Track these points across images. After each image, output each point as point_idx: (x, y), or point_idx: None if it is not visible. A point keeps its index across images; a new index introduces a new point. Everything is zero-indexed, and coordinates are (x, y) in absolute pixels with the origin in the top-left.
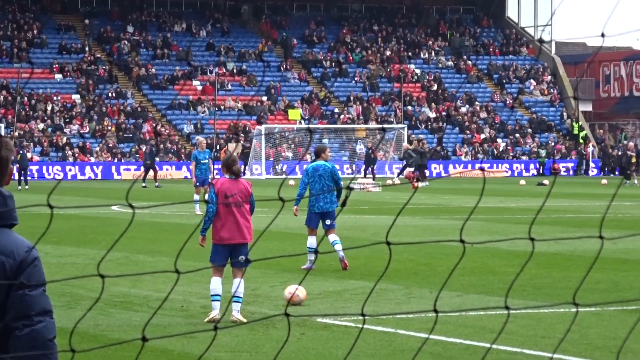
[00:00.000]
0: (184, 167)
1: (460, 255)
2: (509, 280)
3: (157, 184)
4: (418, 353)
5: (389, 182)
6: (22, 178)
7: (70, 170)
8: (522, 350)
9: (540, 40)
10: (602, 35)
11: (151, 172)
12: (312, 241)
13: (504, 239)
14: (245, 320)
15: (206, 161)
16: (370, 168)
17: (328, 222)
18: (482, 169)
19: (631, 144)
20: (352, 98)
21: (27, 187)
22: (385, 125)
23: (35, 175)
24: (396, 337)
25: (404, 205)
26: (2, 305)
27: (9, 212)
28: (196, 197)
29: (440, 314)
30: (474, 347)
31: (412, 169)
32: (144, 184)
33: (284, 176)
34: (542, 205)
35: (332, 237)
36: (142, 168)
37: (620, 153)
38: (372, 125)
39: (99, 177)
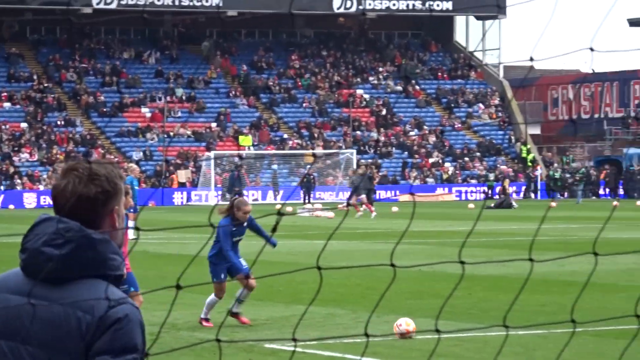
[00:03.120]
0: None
1: (408, 278)
2: (457, 303)
3: None
4: None
5: (340, 207)
6: None
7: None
8: None
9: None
10: (531, 59)
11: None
12: None
13: (433, 263)
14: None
15: (137, 187)
16: (308, 194)
17: None
18: (411, 193)
19: None
20: (316, 135)
21: None
22: (333, 151)
23: None
24: None
25: (335, 230)
26: None
27: (99, 260)
28: (131, 223)
29: (390, 338)
30: None
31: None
32: None
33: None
34: (472, 229)
35: None
36: None
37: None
38: (320, 150)
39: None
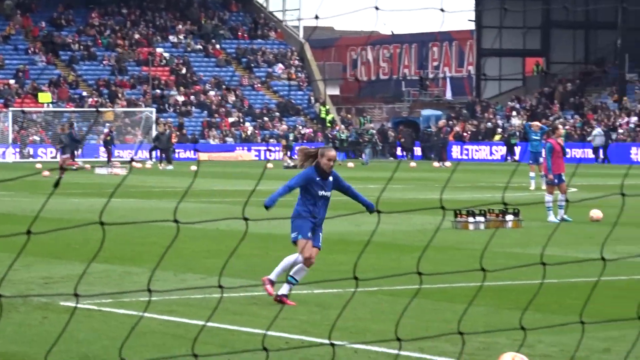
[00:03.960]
0: None
1: (206, 237)
2: (255, 262)
3: None
4: (159, 335)
5: (139, 165)
6: None
7: None
8: (265, 332)
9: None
10: (316, 17)
11: None
12: None
13: (216, 219)
14: None
15: None
16: (109, 152)
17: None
18: (196, 149)
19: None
20: (119, 94)
21: None
22: (132, 109)
23: None
24: (138, 320)
25: (116, 188)
26: None
27: None
28: None
29: (185, 297)
30: (216, 329)
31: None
32: None
33: (31, 160)
34: (254, 188)
35: None
36: None
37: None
38: (119, 108)
39: None
